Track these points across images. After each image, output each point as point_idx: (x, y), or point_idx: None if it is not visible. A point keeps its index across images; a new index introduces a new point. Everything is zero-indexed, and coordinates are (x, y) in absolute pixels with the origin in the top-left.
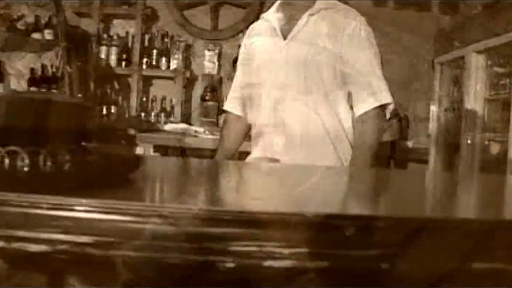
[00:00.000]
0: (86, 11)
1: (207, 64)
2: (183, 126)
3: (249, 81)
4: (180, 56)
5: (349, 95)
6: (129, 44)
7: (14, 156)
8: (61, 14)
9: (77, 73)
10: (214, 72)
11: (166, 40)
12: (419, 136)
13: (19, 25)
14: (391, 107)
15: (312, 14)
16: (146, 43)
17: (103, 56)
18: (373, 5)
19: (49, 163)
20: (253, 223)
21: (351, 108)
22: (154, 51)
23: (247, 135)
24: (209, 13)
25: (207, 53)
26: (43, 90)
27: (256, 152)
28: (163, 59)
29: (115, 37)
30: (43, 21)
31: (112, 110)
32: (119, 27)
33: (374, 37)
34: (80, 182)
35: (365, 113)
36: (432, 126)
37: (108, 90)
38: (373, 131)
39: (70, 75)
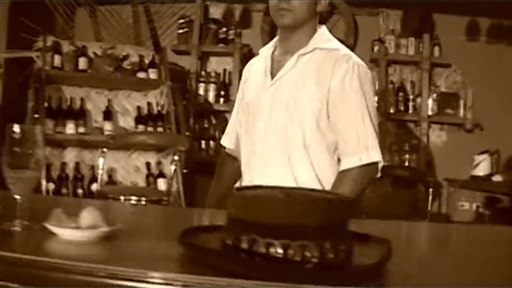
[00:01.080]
0: (185, 49)
1: None
2: None
3: (240, 118)
4: None
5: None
6: (226, 81)
7: (302, 248)
8: (164, 54)
9: (182, 110)
10: None
11: None
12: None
13: (125, 65)
14: (380, 165)
15: (303, 54)
16: None
17: (201, 92)
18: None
19: (331, 255)
20: None
21: (338, 159)
22: None
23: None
24: None
25: None
26: (150, 128)
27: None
28: None
29: (212, 74)
30: (146, 61)
31: (211, 145)
32: (215, 64)
33: (371, 85)
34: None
35: (348, 169)
36: None
37: (206, 125)
38: (350, 191)
39: (175, 113)
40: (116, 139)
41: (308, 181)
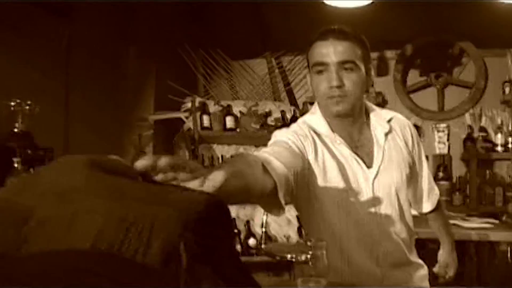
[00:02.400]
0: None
1: (437, 144)
2: None
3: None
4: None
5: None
6: None
7: None
8: (305, 108)
9: None
10: (445, 152)
11: None
12: None
13: (269, 121)
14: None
15: (386, 134)
16: None
17: None
18: None
19: None
20: None
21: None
22: None
23: None
24: (435, 95)
25: (436, 133)
26: None
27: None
28: None
29: None
30: (288, 116)
31: None
32: None
33: None
34: None
35: (434, 210)
36: None
37: None
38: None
39: None
40: None
41: (406, 237)
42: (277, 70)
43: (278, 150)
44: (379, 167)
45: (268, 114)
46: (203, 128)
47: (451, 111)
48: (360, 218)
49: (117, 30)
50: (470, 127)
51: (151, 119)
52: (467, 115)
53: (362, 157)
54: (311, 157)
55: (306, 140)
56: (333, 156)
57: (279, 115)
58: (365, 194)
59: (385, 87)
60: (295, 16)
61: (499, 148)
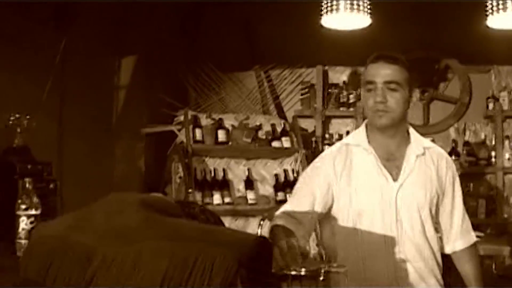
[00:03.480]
0: (309, 114)
1: None
2: None
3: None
4: None
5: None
6: None
7: None
8: (295, 121)
9: None
10: None
11: None
12: None
13: (260, 135)
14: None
15: (419, 155)
16: None
17: None
18: None
19: None
20: None
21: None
22: None
23: None
24: (421, 109)
25: None
26: (288, 194)
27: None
28: None
29: (336, 136)
30: (278, 129)
31: None
32: (336, 126)
33: None
34: None
35: (467, 248)
36: None
37: None
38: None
39: None
40: (271, 211)
41: (429, 255)
42: (266, 84)
43: (298, 208)
44: (404, 181)
45: (259, 127)
46: (195, 141)
47: (436, 125)
48: (380, 227)
49: (110, 43)
50: (454, 141)
51: (143, 132)
52: (451, 130)
53: (391, 170)
54: (338, 168)
55: (337, 156)
56: (362, 165)
57: (270, 129)
58: (387, 205)
59: None
60: (284, 30)
61: (482, 162)
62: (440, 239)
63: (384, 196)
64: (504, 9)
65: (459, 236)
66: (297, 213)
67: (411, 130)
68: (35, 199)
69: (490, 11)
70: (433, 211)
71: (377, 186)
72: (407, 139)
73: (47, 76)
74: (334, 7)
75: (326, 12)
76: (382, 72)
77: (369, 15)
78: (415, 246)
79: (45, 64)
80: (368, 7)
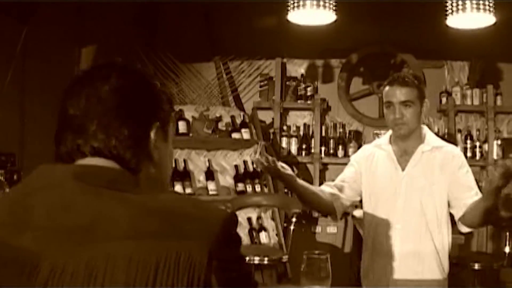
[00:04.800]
0: (267, 106)
1: None
2: None
3: (355, 186)
4: (356, 144)
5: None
6: (307, 134)
7: None
8: (254, 113)
9: None
10: None
11: (340, 129)
12: None
13: (220, 126)
14: None
15: (425, 152)
16: (323, 133)
17: (284, 145)
18: None
19: None
20: None
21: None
22: (331, 140)
23: None
24: (376, 102)
25: (377, 139)
26: (248, 185)
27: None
28: (340, 147)
29: (293, 128)
30: (238, 121)
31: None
32: (294, 118)
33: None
34: None
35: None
36: None
37: None
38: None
39: None
40: (234, 202)
41: (441, 244)
42: (225, 75)
43: (342, 183)
44: (409, 171)
45: (219, 119)
46: None
47: None
48: (386, 206)
49: (70, 33)
50: None
51: None
52: None
53: (401, 163)
54: (367, 165)
55: (367, 154)
56: (380, 159)
57: (229, 120)
58: (394, 189)
59: (329, 94)
60: (243, 22)
61: None
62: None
63: (392, 182)
64: (464, 9)
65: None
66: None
67: (428, 133)
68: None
69: (450, 11)
70: (437, 195)
71: (388, 174)
72: (421, 140)
73: (7, 67)
74: (301, 3)
75: (293, 8)
76: (397, 94)
77: (334, 12)
78: (413, 226)
79: (5, 55)
80: (334, 3)
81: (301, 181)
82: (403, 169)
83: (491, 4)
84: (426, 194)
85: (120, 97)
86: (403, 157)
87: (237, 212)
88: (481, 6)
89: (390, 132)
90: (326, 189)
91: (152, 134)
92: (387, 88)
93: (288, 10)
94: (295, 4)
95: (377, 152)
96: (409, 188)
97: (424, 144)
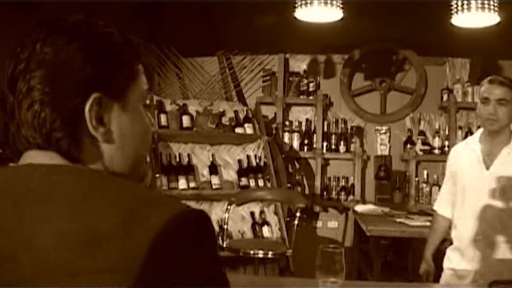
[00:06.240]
0: (270, 101)
1: (379, 146)
2: (371, 207)
3: (453, 189)
4: (358, 140)
5: None
6: (309, 129)
7: None
8: (258, 108)
9: (281, 162)
10: (386, 153)
11: (342, 125)
12: None
13: (224, 121)
14: None
15: (510, 153)
16: (325, 129)
17: (286, 141)
18: None
19: None
20: None
21: None
22: (333, 136)
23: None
24: (378, 99)
25: (378, 135)
26: (251, 180)
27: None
28: (342, 143)
29: (295, 123)
30: (241, 116)
31: (298, 189)
32: (296, 113)
33: None
34: None
35: None
36: None
37: (291, 170)
38: None
39: (274, 165)
40: (238, 196)
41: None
42: (227, 70)
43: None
44: (494, 170)
45: (222, 113)
46: (160, 126)
47: (393, 114)
48: (473, 201)
49: None
50: (410, 130)
51: None
52: (407, 119)
53: (486, 161)
54: (459, 162)
55: (459, 152)
56: (469, 157)
57: (233, 115)
58: (480, 186)
59: (331, 90)
60: (246, 18)
61: (436, 151)
62: None
63: (478, 179)
64: (469, 9)
65: None
66: (449, 196)
67: None
68: None
69: (455, 10)
70: None
71: (475, 172)
72: (508, 141)
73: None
74: (309, 0)
75: (301, 5)
76: (495, 92)
77: (341, 10)
78: (497, 217)
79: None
80: (340, 1)
81: (431, 248)
82: (487, 168)
83: (495, 4)
84: (509, 194)
85: (45, 68)
86: (489, 156)
87: (241, 207)
88: (486, 6)
89: (480, 130)
90: (442, 221)
91: (87, 109)
92: (486, 85)
93: (295, 8)
94: (303, 2)
95: (466, 149)
96: (492, 185)
97: (510, 144)
